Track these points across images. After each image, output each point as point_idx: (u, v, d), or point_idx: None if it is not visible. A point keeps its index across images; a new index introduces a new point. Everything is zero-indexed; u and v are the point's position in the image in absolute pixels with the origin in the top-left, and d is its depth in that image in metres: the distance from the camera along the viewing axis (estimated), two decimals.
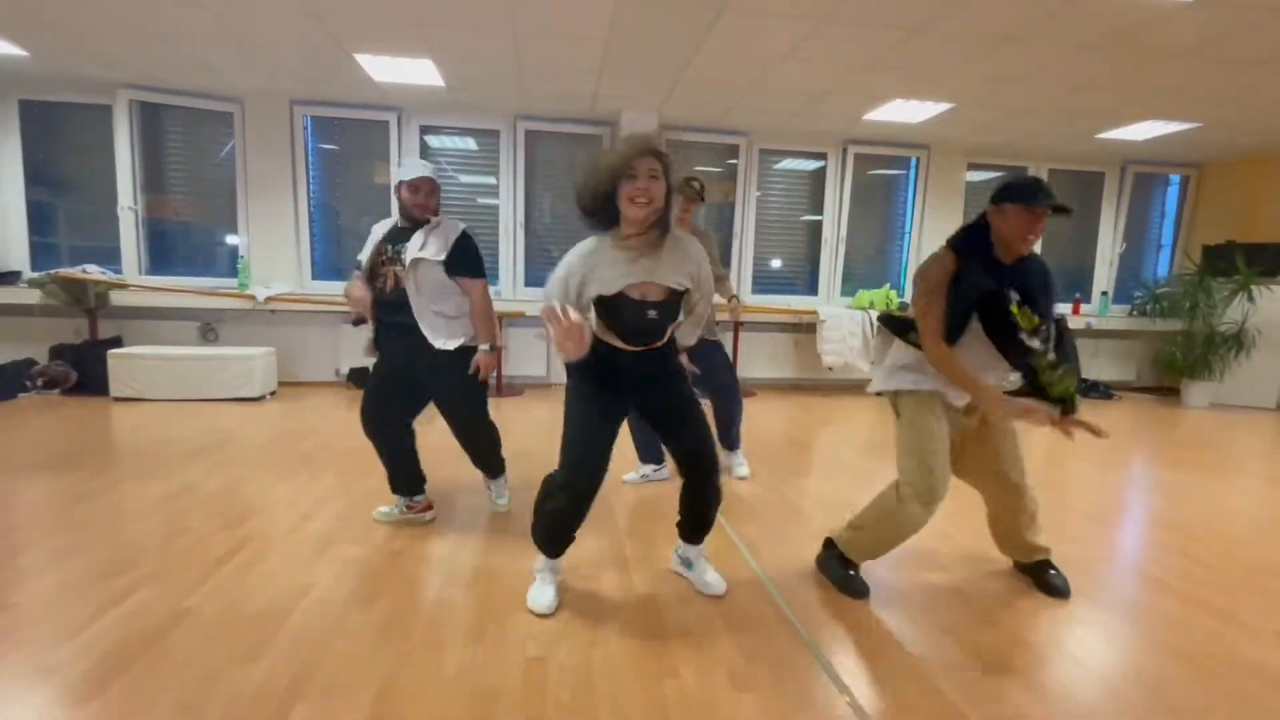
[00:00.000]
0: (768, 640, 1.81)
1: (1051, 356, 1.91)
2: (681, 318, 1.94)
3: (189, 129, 5.35)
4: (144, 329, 5.31)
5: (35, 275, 5.02)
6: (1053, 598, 2.11)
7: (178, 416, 4.32)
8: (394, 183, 2.44)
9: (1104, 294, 6.69)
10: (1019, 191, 1.86)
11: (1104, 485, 3.45)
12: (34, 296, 4.92)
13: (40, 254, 5.28)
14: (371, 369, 2.61)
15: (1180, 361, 5.96)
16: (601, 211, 1.76)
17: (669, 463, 3.19)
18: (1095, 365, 6.61)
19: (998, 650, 1.80)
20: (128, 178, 5.13)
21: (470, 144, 5.80)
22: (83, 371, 4.94)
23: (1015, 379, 2.01)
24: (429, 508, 2.63)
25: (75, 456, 3.36)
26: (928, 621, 1.94)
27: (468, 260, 2.43)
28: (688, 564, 2.15)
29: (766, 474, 3.40)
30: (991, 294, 1.85)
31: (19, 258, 5.20)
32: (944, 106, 4.97)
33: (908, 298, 6.44)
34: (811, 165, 6.27)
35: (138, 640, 1.70)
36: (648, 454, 3.23)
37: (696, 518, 2.07)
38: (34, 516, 2.54)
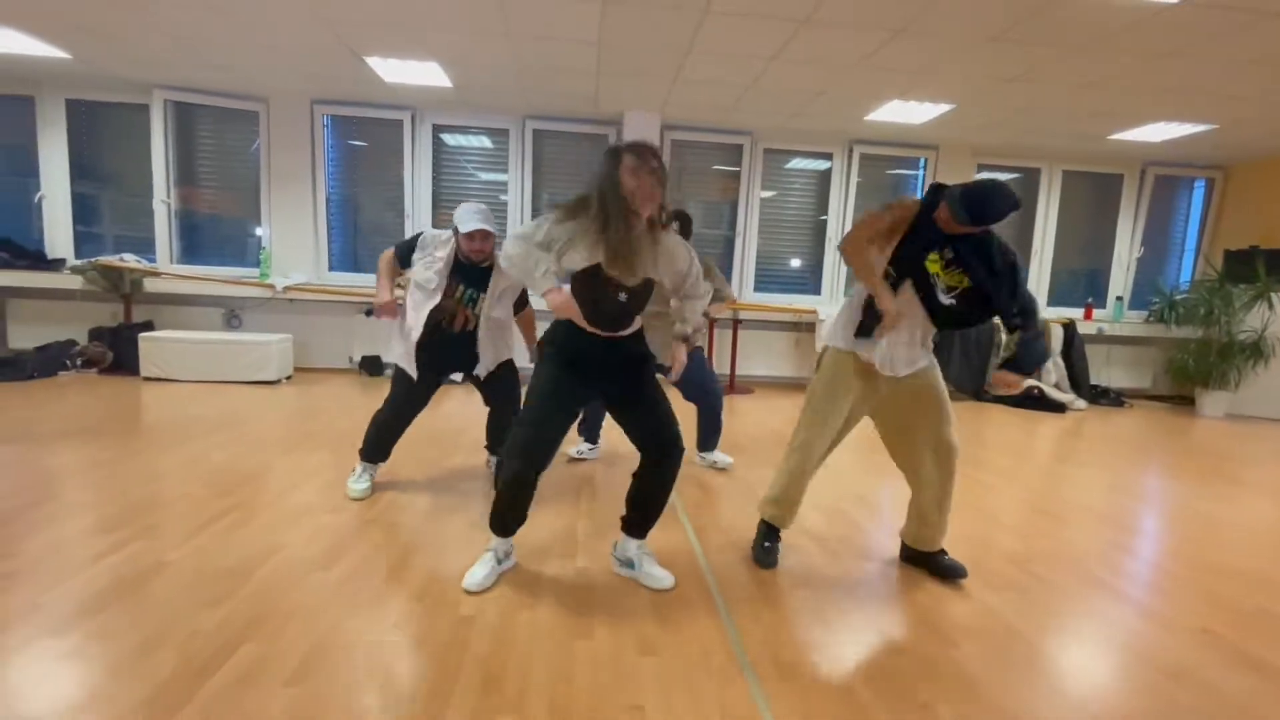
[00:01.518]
0: (686, 612, 1.93)
1: (1014, 333, 2.11)
2: (651, 307, 2.04)
3: (218, 127, 5.69)
4: (174, 314, 5.67)
5: (78, 262, 5.42)
6: (949, 579, 2.20)
7: (199, 396, 4.63)
8: (454, 226, 2.67)
9: (1119, 299, 6.55)
10: (960, 203, 1.97)
11: (1083, 487, 3.44)
12: (76, 282, 5.32)
13: (84, 243, 5.69)
14: (417, 368, 2.77)
15: (1192, 369, 5.81)
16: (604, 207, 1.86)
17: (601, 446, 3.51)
18: (1107, 372, 6.48)
19: (907, 637, 1.87)
20: (162, 173, 5.49)
21: (486, 142, 6.01)
22: (118, 352, 5.31)
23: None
24: None
25: (101, 429, 3.66)
26: (849, 606, 2.03)
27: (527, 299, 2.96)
28: (629, 564, 2.12)
29: (738, 464, 3.50)
30: (919, 253, 2.04)
31: (65, 246, 5.61)
32: (945, 107, 4.96)
33: None
34: (823, 165, 6.30)
35: (121, 586, 1.91)
36: (587, 432, 3.46)
37: (648, 505, 2.09)
38: (55, 478, 2.81)
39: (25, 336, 5.43)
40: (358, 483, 2.79)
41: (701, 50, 4.06)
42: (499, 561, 2.08)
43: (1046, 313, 6.48)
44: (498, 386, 2.92)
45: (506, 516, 2.03)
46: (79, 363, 5.28)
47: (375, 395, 5.04)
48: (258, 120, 5.62)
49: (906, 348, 2.12)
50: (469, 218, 2.60)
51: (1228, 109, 4.71)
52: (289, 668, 1.56)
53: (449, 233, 2.70)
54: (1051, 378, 6.08)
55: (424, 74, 4.74)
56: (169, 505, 2.56)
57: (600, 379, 2.00)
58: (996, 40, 3.68)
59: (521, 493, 1.98)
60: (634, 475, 2.11)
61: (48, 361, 5.10)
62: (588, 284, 1.87)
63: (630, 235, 1.83)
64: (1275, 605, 2.14)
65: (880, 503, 3.04)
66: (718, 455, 3.46)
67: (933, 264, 2.04)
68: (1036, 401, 5.75)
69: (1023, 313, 2.08)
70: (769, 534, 2.32)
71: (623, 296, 1.89)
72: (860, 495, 3.11)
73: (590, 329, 1.93)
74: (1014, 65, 4.06)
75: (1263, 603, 2.15)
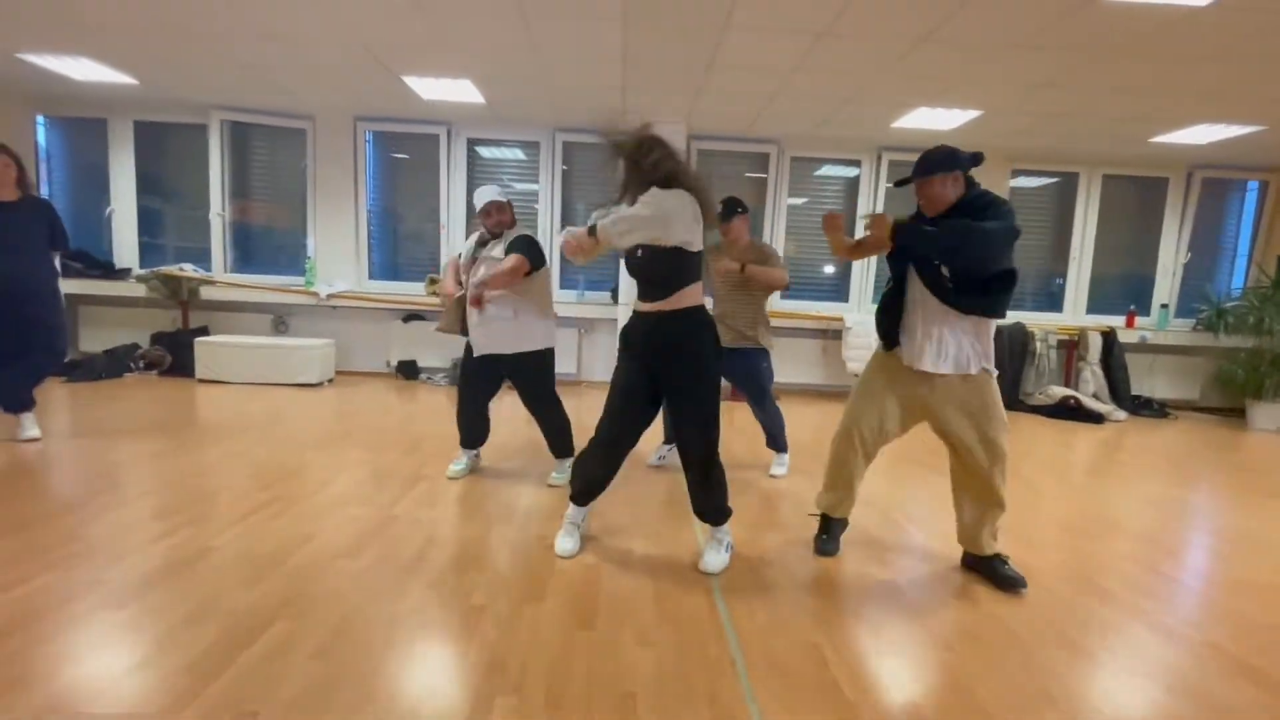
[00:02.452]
0: (687, 608, 2.00)
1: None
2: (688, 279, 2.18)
3: (269, 143, 6.05)
4: (228, 320, 6.03)
5: (142, 272, 5.83)
6: (1005, 588, 2.21)
7: (246, 397, 4.93)
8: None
9: (1163, 307, 6.32)
10: (902, 180, 2.23)
11: (1109, 500, 3.37)
12: (140, 290, 5.72)
13: (148, 253, 6.10)
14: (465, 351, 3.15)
15: (1242, 380, 5.57)
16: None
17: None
18: (1150, 382, 6.26)
19: (903, 640, 1.90)
20: (218, 187, 5.86)
21: (519, 154, 6.22)
22: (176, 356, 5.68)
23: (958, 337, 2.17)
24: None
25: (158, 426, 3.95)
26: (848, 608, 2.07)
27: (516, 246, 2.91)
28: (707, 536, 2.38)
29: (756, 472, 3.54)
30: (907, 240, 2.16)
31: (131, 256, 6.03)
32: (972, 113, 4.92)
33: None
34: (852, 172, 6.29)
35: (169, 567, 2.10)
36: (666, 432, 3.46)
37: (695, 503, 2.32)
38: (116, 470, 3.07)
39: (95, 340, 5.85)
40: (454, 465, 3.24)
41: (723, 64, 4.14)
42: (576, 526, 2.41)
43: (1085, 320, 6.31)
44: (520, 382, 3.09)
45: (579, 483, 2.39)
46: (141, 365, 5.67)
47: (410, 398, 5.28)
48: (305, 137, 5.95)
49: (927, 340, 2.17)
50: (481, 194, 2.98)
51: (1276, 110, 4.54)
52: (314, 643, 1.71)
53: (474, 235, 3.08)
54: (1090, 387, 5.92)
55: (458, 91, 4.96)
56: (215, 496, 2.78)
57: (646, 356, 2.22)
58: (1022, 47, 3.66)
59: (595, 456, 2.33)
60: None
61: (114, 364, 5.49)
62: (627, 253, 2.20)
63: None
64: None
65: (887, 508, 3.05)
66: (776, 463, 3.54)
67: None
68: (1073, 412, 5.60)
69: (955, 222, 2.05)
70: (823, 520, 2.54)
71: (640, 253, 2.16)
72: (867, 500, 3.12)
73: (638, 306, 2.22)
74: (1041, 71, 4.02)
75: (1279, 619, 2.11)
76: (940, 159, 2.11)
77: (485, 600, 1.99)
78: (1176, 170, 6.21)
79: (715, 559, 2.28)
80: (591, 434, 2.33)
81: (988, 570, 2.29)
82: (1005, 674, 1.74)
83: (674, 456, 3.13)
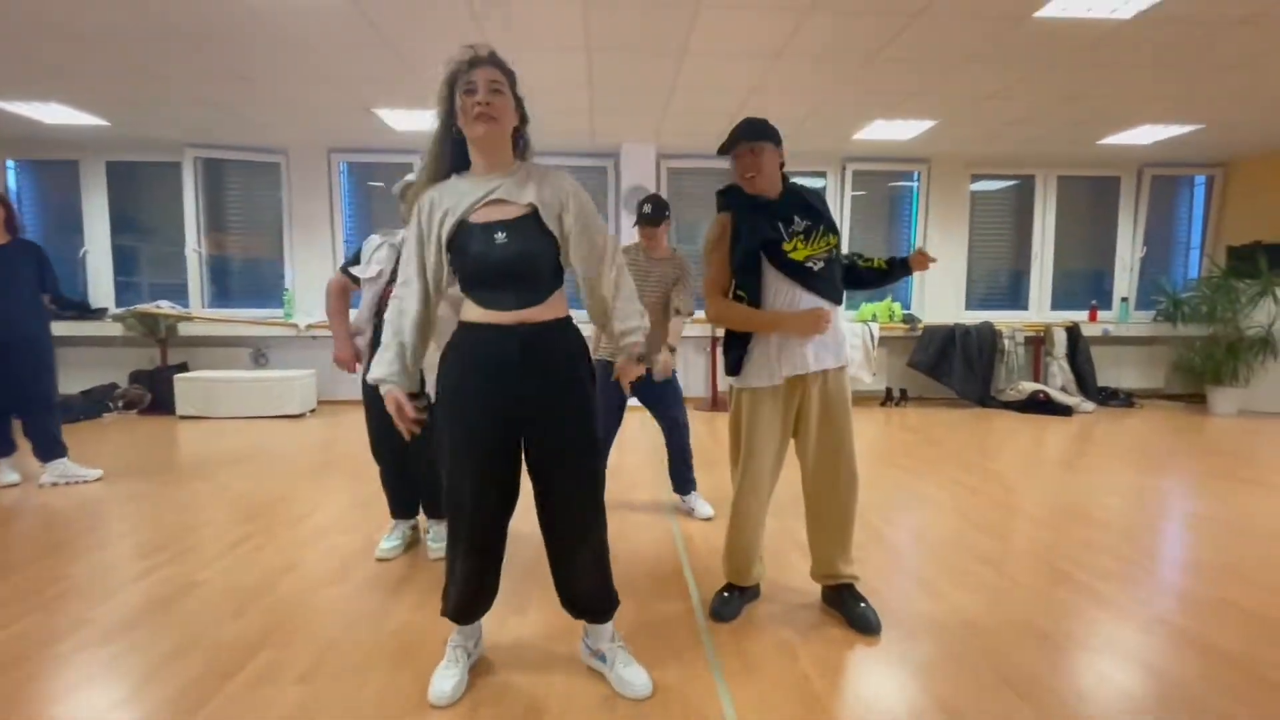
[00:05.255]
0: (666, 613, 2.07)
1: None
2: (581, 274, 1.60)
3: (244, 178, 6.10)
4: (207, 355, 6.03)
5: (118, 311, 5.82)
6: (860, 633, 1.94)
7: (228, 431, 4.93)
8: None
9: (1124, 300, 6.54)
10: (723, 146, 1.94)
11: (1071, 489, 3.49)
12: (117, 329, 5.71)
13: (123, 292, 6.10)
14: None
15: (1199, 367, 5.78)
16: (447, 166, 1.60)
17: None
18: (1116, 373, 6.46)
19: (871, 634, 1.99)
20: (193, 224, 5.89)
21: None
22: (156, 393, 5.67)
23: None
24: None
25: (139, 465, 3.96)
26: (816, 601, 2.15)
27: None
28: (600, 656, 1.71)
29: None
30: (768, 239, 1.88)
31: (106, 296, 6.02)
32: (929, 123, 5.11)
33: (913, 309, 6.50)
34: (817, 184, 6.47)
35: (157, 603, 2.13)
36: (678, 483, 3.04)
37: (579, 595, 1.70)
38: (98, 510, 3.08)
39: (72, 382, 5.79)
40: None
41: (685, 86, 4.29)
42: (469, 655, 1.73)
43: (1049, 316, 6.51)
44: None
45: (461, 603, 1.67)
46: (120, 405, 5.64)
47: None
48: (279, 170, 6.01)
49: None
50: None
51: (1211, 110, 4.78)
52: (299, 669, 1.76)
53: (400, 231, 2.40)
54: (1058, 381, 6.09)
55: (429, 121, 5.04)
56: (198, 531, 2.80)
57: (513, 391, 1.51)
58: (969, 61, 3.84)
59: (479, 568, 1.65)
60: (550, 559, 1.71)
61: (93, 404, 5.47)
62: (462, 250, 1.51)
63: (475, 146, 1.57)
64: (1239, 596, 2.20)
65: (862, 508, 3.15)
66: (697, 501, 3.02)
67: (796, 251, 1.86)
68: (1042, 405, 5.77)
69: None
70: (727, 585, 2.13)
71: (500, 236, 1.49)
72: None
73: (490, 317, 1.51)
74: (989, 83, 4.21)
75: (1226, 594, 2.22)
76: (771, 128, 1.82)
77: None
78: (1127, 169, 6.46)
79: (641, 672, 1.66)
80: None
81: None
82: (965, 663, 1.82)
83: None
